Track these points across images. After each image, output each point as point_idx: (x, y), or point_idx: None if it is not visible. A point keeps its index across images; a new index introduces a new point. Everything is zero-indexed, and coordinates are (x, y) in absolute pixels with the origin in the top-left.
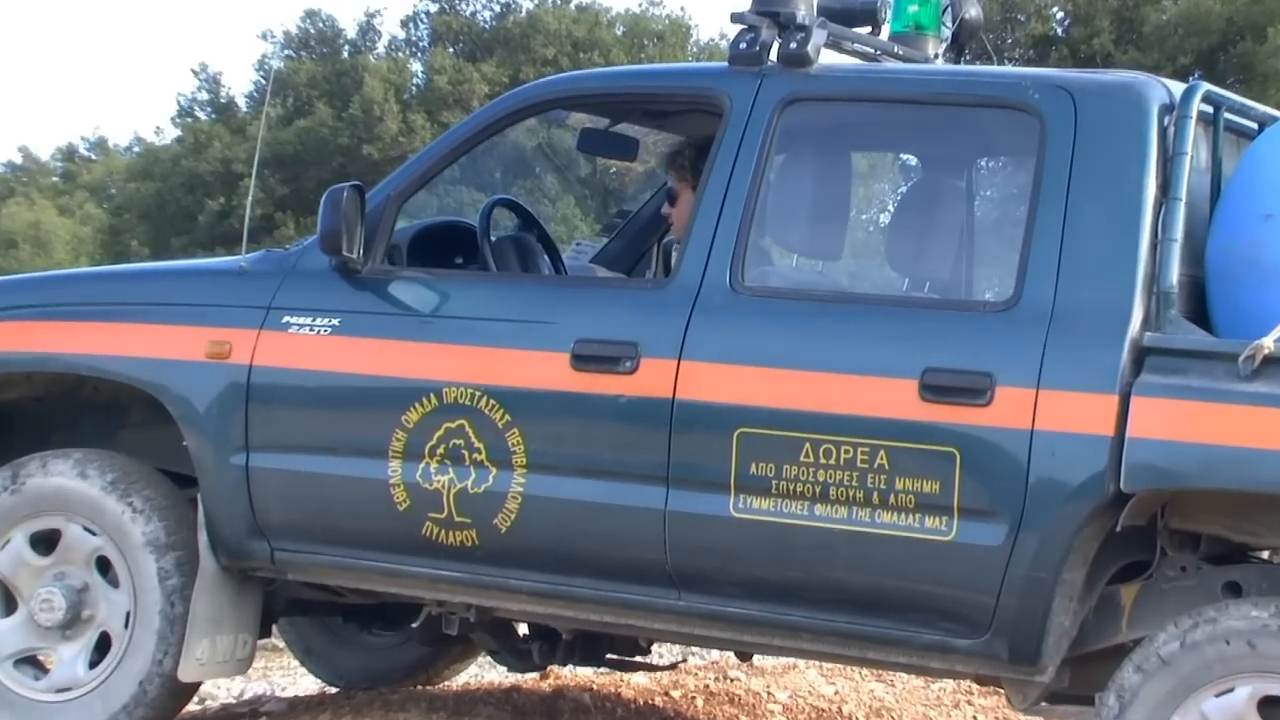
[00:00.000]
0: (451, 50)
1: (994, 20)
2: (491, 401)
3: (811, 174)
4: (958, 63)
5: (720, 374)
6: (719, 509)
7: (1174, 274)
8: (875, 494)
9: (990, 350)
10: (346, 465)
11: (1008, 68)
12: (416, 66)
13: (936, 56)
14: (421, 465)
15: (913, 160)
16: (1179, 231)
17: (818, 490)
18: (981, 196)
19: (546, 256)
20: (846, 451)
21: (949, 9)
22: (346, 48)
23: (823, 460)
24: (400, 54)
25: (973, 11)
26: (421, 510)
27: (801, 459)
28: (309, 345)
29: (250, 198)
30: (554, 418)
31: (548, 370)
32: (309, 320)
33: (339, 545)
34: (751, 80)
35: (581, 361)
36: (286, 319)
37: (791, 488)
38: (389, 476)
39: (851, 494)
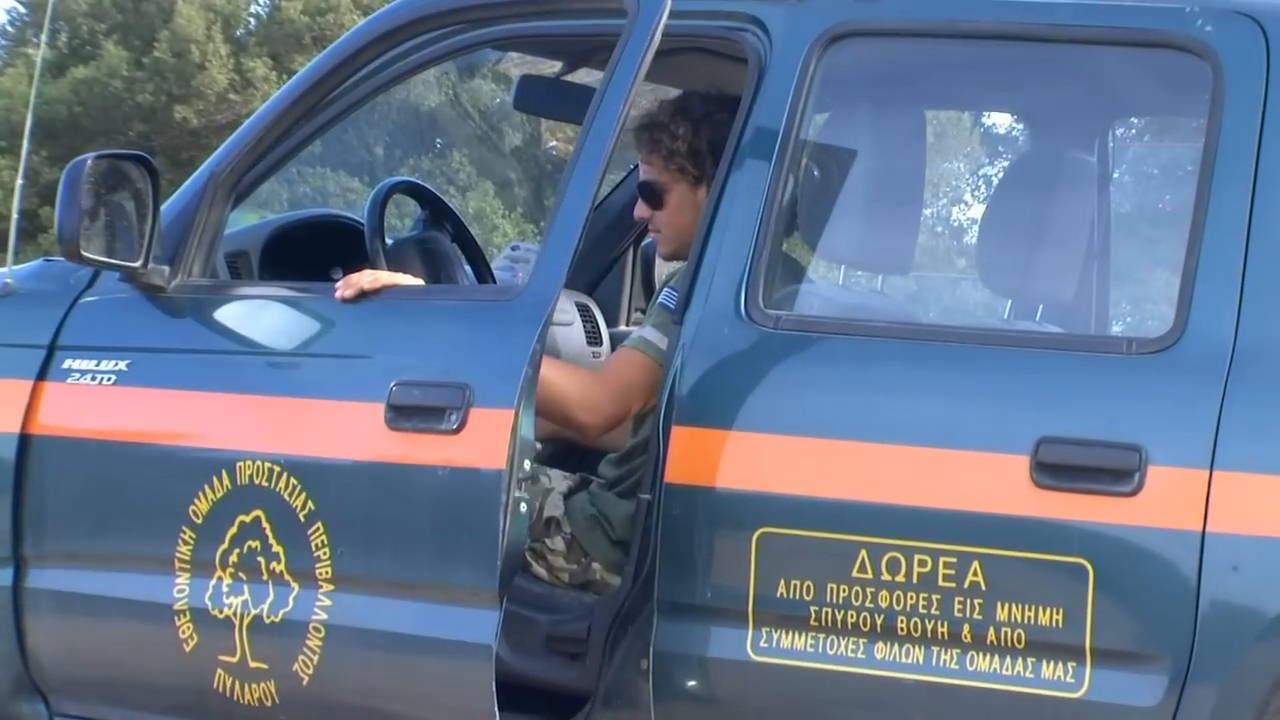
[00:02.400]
0: None
1: None
2: (292, 481)
3: (866, 146)
4: None
5: (727, 446)
6: (731, 650)
7: None
8: (966, 627)
9: (1137, 411)
10: (125, 583)
11: None
12: None
13: None
14: (213, 583)
15: (1017, 126)
16: None
17: (879, 621)
18: (1121, 179)
19: (467, 266)
20: (922, 563)
21: None
22: None
23: (886, 576)
24: None
25: None
26: (211, 652)
27: (855, 574)
28: (89, 401)
29: (20, 182)
30: (372, 502)
31: (359, 430)
32: (93, 364)
33: (121, 707)
34: (779, 7)
35: (397, 416)
36: (69, 363)
37: (839, 617)
38: (174, 600)
39: (930, 627)
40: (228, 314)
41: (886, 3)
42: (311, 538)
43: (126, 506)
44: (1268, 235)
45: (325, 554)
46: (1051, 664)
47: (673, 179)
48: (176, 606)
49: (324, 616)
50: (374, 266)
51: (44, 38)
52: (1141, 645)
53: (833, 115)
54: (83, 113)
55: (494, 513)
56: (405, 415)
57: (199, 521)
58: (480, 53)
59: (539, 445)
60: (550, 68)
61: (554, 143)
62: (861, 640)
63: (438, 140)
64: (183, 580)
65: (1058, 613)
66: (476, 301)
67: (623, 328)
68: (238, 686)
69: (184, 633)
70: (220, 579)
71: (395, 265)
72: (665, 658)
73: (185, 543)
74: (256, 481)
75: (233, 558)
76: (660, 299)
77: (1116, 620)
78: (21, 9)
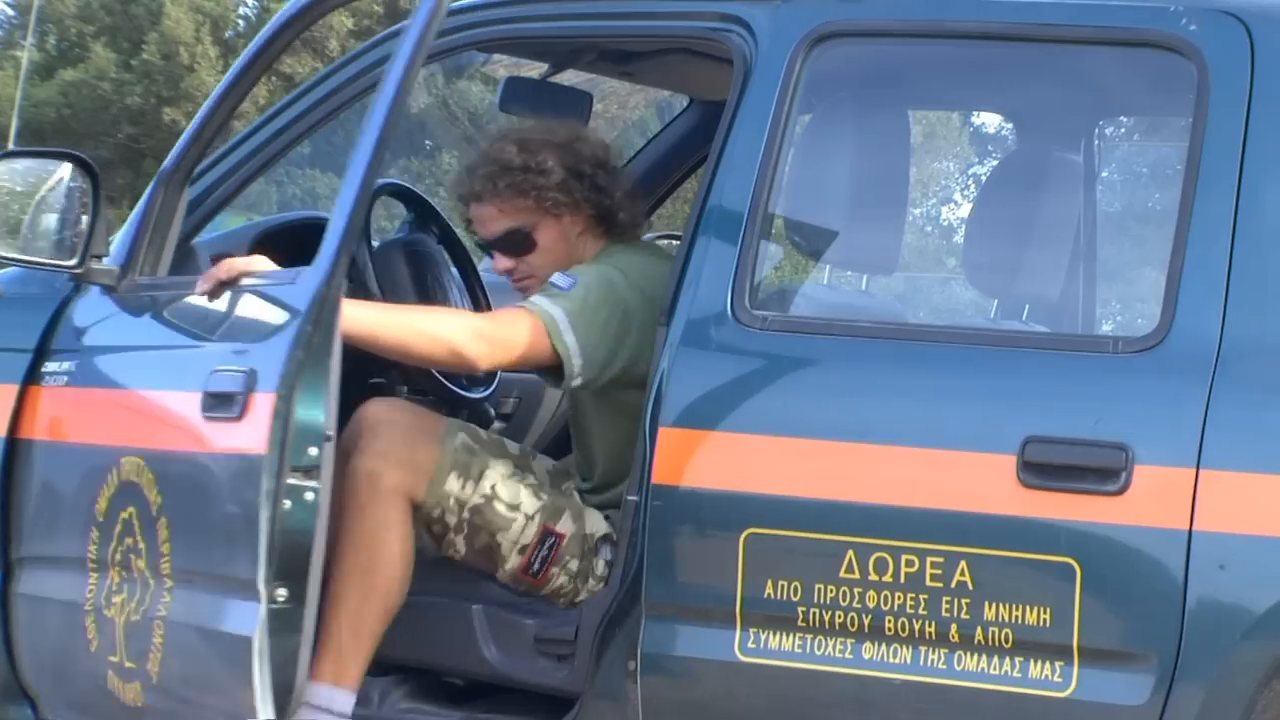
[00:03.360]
0: None
1: None
2: (148, 476)
3: (852, 146)
4: None
5: (714, 447)
6: (719, 651)
7: None
8: (953, 627)
9: (1123, 411)
10: (60, 584)
11: None
12: None
13: None
14: (108, 579)
15: (1003, 126)
16: None
17: (867, 621)
18: (1108, 179)
19: (454, 269)
20: (909, 563)
21: None
22: None
23: (873, 576)
24: None
25: None
26: (104, 653)
27: (842, 575)
28: (50, 404)
29: None
30: (192, 493)
31: (185, 421)
32: (59, 367)
33: (70, 711)
34: (764, 7)
35: (211, 405)
36: (48, 366)
37: (827, 618)
38: (85, 599)
39: (917, 627)
40: (151, 311)
41: (872, 3)
42: (159, 532)
43: (60, 508)
44: (1253, 234)
45: (167, 549)
46: (1039, 663)
47: (542, 217)
48: (86, 607)
49: (164, 612)
50: (360, 270)
51: (29, 39)
52: (1129, 644)
53: (819, 116)
54: (71, 115)
55: (256, 499)
56: (214, 404)
57: (100, 520)
58: (467, 54)
59: (330, 434)
60: (536, 69)
61: None
62: (849, 641)
63: (426, 142)
64: (92, 580)
65: (1045, 612)
66: (270, 285)
67: None
68: (121, 687)
69: (89, 633)
70: (109, 578)
71: (381, 268)
72: (653, 659)
73: (93, 542)
74: (130, 478)
75: (117, 556)
76: (552, 279)
77: (1104, 619)
78: (10, 12)
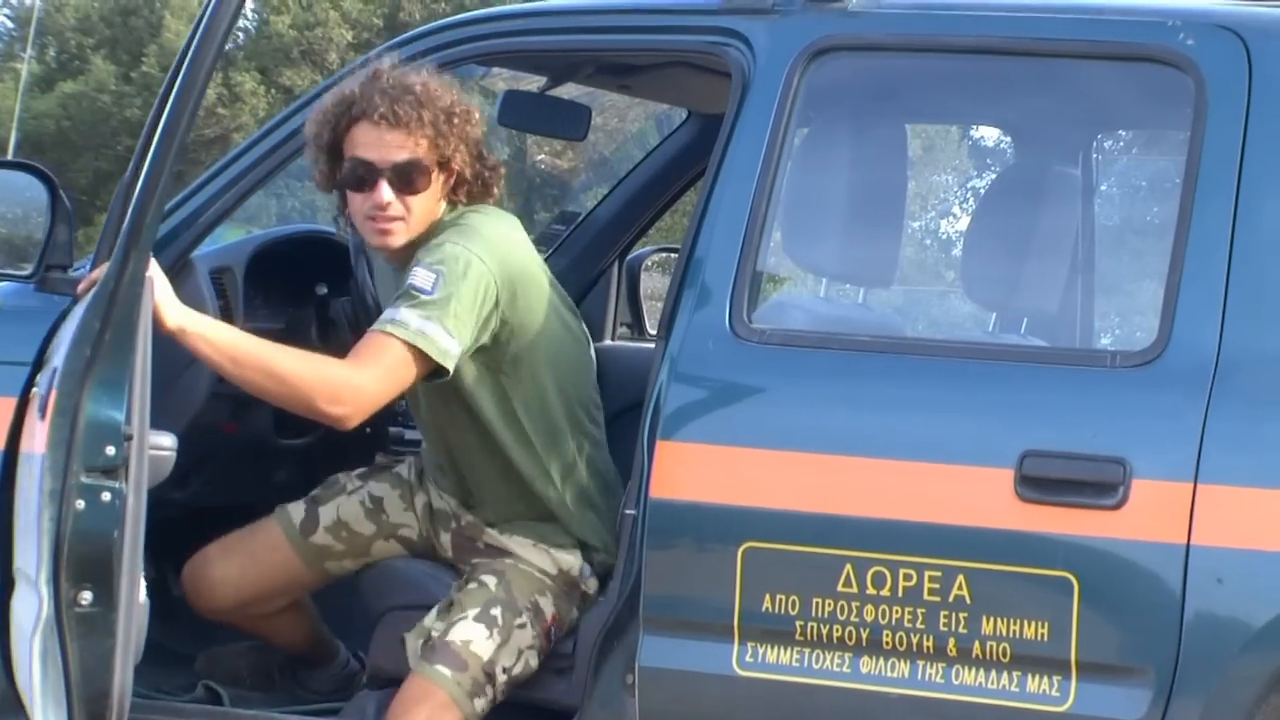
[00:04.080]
0: None
1: None
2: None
3: (850, 160)
4: None
5: (712, 461)
6: (717, 664)
7: None
8: (951, 641)
9: (1121, 424)
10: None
11: (1145, 0)
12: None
13: None
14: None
15: (1000, 139)
16: None
17: (864, 635)
18: (1105, 192)
19: None
20: (907, 577)
21: None
22: None
23: (871, 591)
24: None
25: None
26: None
27: (840, 589)
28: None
29: None
30: (26, 497)
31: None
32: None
33: None
34: (762, 21)
35: (37, 408)
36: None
37: (824, 632)
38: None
39: (915, 641)
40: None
41: (869, 17)
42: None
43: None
44: (1250, 247)
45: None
46: (1037, 677)
47: (438, 165)
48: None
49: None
50: (358, 282)
51: (29, 52)
52: (1127, 658)
53: (817, 129)
54: (71, 127)
55: (36, 498)
56: (39, 405)
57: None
58: (466, 67)
59: (130, 434)
60: (535, 82)
61: (541, 156)
62: (847, 654)
63: None
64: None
65: (1043, 626)
66: (66, 294)
67: (607, 342)
68: None
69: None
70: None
71: (379, 280)
72: (651, 672)
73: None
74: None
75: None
76: (412, 280)
77: (1102, 633)
78: (9, 24)
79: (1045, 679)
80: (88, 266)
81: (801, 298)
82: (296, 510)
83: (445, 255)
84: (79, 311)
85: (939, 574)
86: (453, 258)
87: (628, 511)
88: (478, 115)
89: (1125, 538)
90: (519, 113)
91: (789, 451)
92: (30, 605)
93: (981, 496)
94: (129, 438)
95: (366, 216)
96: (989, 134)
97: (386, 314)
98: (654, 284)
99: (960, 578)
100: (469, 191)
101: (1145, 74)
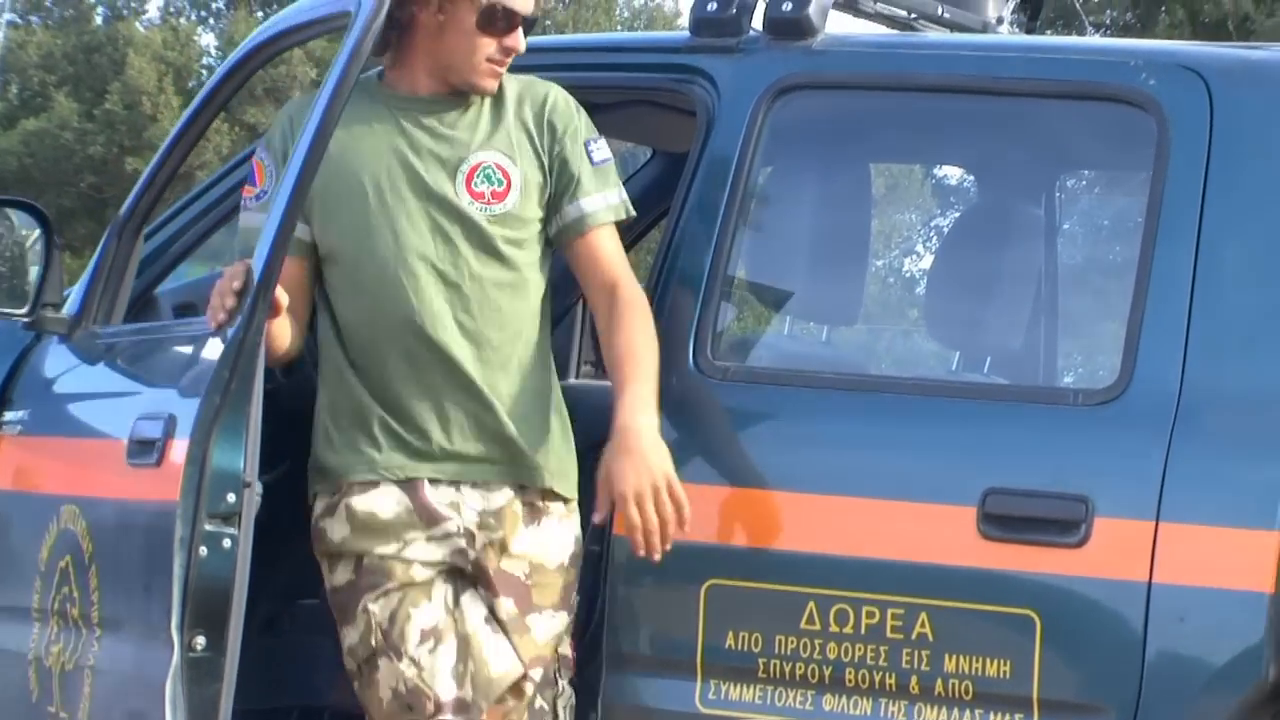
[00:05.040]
0: (261, 14)
1: None
2: (83, 523)
3: (814, 198)
4: (1031, 32)
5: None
6: (679, 702)
7: None
8: (914, 679)
9: (1083, 462)
10: (5, 634)
11: (1104, 39)
12: (208, 39)
13: (1000, 22)
14: (49, 629)
15: (964, 178)
16: None
17: (827, 673)
18: (1068, 231)
19: None
20: (870, 615)
21: None
22: (100, 10)
23: (834, 628)
24: (183, 19)
25: None
26: (43, 703)
27: (803, 626)
28: (7, 452)
29: None
30: (117, 541)
31: (111, 469)
32: (14, 415)
33: None
34: (726, 59)
35: (134, 452)
36: (6, 415)
37: (787, 669)
38: (29, 649)
39: (878, 679)
40: (101, 359)
41: (834, 55)
42: (90, 580)
43: (10, 558)
44: (1212, 287)
45: (97, 596)
46: (999, 715)
47: None
48: (29, 657)
49: (93, 661)
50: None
51: None
52: (1089, 696)
53: (781, 167)
54: (33, 164)
55: (169, 545)
56: (136, 451)
57: (42, 569)
58: None
59: (249, 480)
60: None
61: None
62: (810, 692)
63: None
64: (35, 630)
65: (1005, 664)
66: (195, 332)
67: (572, 380)
68: None
69: (31, 684)
70: (50, 627)
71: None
72: (613, 710)
73: (36, 591)
74: (68, 526)
75: (55, 604)
76: (594, 154)
77: (1064, 671)
78: None
79: (1007, 717)
80: (75, 306)
81: (765, 335)
82: None
83: (586, 120)
84: (203, 358)
85: (902, 611)
86: (589, 124)
87: (591, 548)
88: None
89: (1087, 575)
90: None
91: (753, 489)
92: (162, 656)
93: (944, 534)
94: (248, 484)
95: (488, 59)
96: (952, 173)
97: (602, 198)
98: None
99: (923, 615)
100: None
101: (1108, 114)
